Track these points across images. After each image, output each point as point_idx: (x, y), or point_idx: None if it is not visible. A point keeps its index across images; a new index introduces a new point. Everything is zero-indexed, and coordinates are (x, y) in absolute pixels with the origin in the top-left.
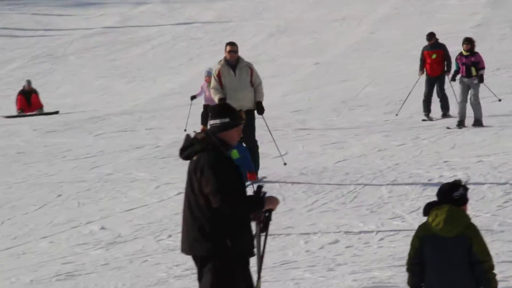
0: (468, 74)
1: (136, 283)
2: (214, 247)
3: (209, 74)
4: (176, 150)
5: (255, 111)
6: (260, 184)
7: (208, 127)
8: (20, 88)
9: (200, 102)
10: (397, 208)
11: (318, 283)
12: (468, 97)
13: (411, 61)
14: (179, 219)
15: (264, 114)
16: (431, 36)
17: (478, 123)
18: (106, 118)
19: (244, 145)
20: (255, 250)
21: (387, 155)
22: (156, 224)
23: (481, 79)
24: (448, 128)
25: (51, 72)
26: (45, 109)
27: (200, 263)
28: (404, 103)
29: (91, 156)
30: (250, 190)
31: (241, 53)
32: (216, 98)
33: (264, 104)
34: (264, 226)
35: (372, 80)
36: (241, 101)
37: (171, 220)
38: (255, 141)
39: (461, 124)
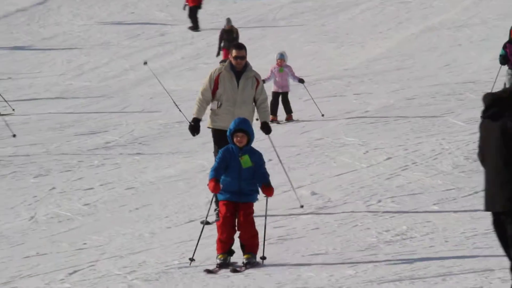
0: None
1: (346, 248)
2: None
3: (281, 57)
4: (385, 115)
5: (262, 131)
6: None
7: None
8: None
9: (270, 88)
10: None
11: None
12: None
13: None
14: (388, 184)
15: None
16: None
17: None
18: (316, 83)
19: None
20: None
21: None
22: (365, 189)
23: None
24: None
25: (262, 37)
26: None
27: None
28: None
29: (301, 121)
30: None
31: (452, 16)
32: (193, 111)
33: (470, 69)
34: None
35: None
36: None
37: (380, 185)
38: None
39: None
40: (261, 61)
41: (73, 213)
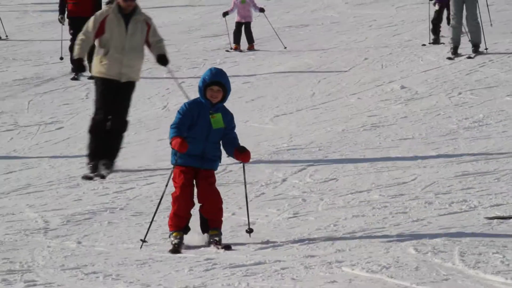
0: None
1: (430, 133)
2: None
3: None
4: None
5: (162, 65)
6: None
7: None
8: None
9: (233, 18)
10: None
11: None
12: (464, 16)
13: None
14: (468, 79)
15: None
16: None
17: (476, 49)
18: None
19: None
20: None
21: None
22: (448, 83)
23: None
24: (449, 58)
25: None
26: None
27: None
28: None
29: (393, 25)
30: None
31: None
32: (75, 52)
33: None
34: None
35: None
36: (124, 68)
37: (461, 80)
38: (126, 122)
39: (455, 52)
40: None
41: None
